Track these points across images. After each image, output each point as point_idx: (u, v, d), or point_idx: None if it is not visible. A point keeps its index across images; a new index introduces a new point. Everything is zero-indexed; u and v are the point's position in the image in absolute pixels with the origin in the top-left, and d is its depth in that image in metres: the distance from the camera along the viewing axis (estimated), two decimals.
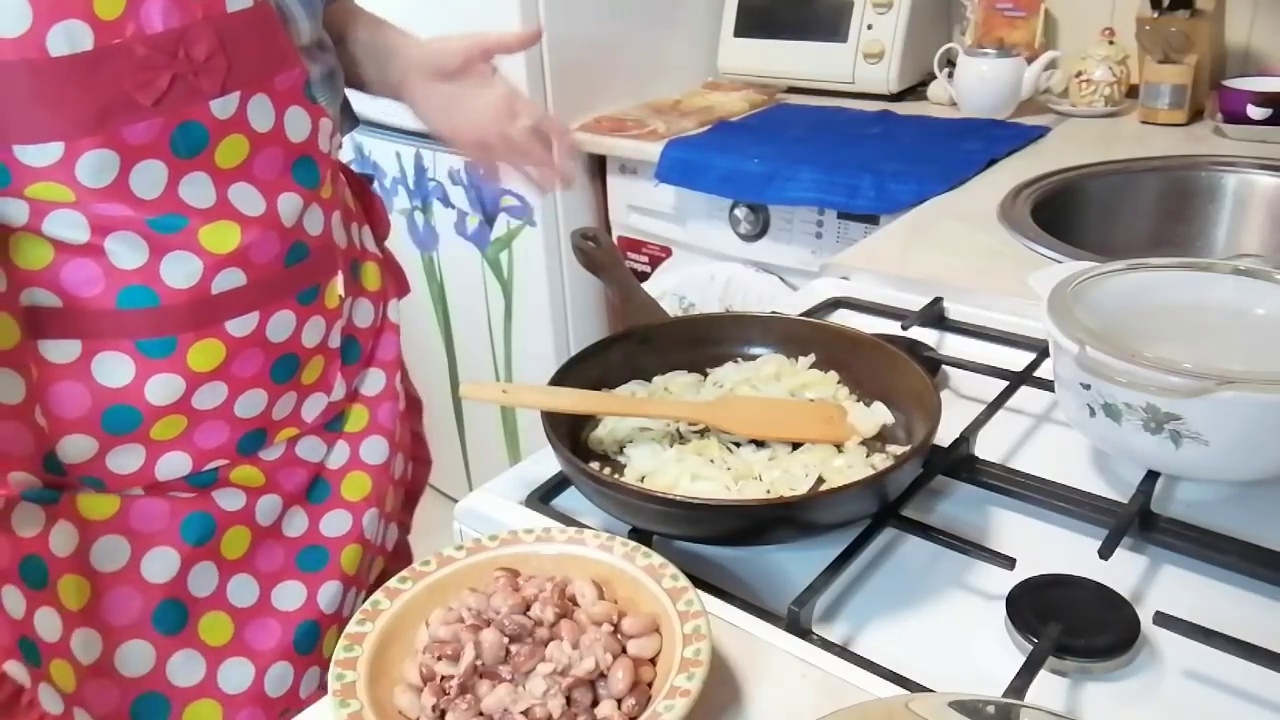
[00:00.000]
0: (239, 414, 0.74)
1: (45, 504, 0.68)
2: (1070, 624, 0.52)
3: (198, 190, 0.68)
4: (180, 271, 0.68)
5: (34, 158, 0.63)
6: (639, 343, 0.76)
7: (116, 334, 0.68)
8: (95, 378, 0.69)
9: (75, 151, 0.63)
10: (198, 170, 0.68)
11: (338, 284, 0.79)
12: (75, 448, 0.69)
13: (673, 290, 1.66)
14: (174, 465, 0.73)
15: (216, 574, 0.76)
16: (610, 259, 0.83)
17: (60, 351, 0.68)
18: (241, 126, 0.69)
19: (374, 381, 0.87)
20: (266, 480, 0.78)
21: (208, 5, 0.66)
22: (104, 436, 0.70)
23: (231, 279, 0.70)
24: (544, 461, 0.68)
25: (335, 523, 0.82)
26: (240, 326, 0.72)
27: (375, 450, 0.85)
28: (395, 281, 0.95)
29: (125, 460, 0.71)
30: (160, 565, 0.73)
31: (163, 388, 0.70)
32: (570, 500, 0.67)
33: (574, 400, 0.68)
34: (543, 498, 0.67)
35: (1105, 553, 0.56)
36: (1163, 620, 0.52)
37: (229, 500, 0.76)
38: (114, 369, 0.69)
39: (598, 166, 1.75)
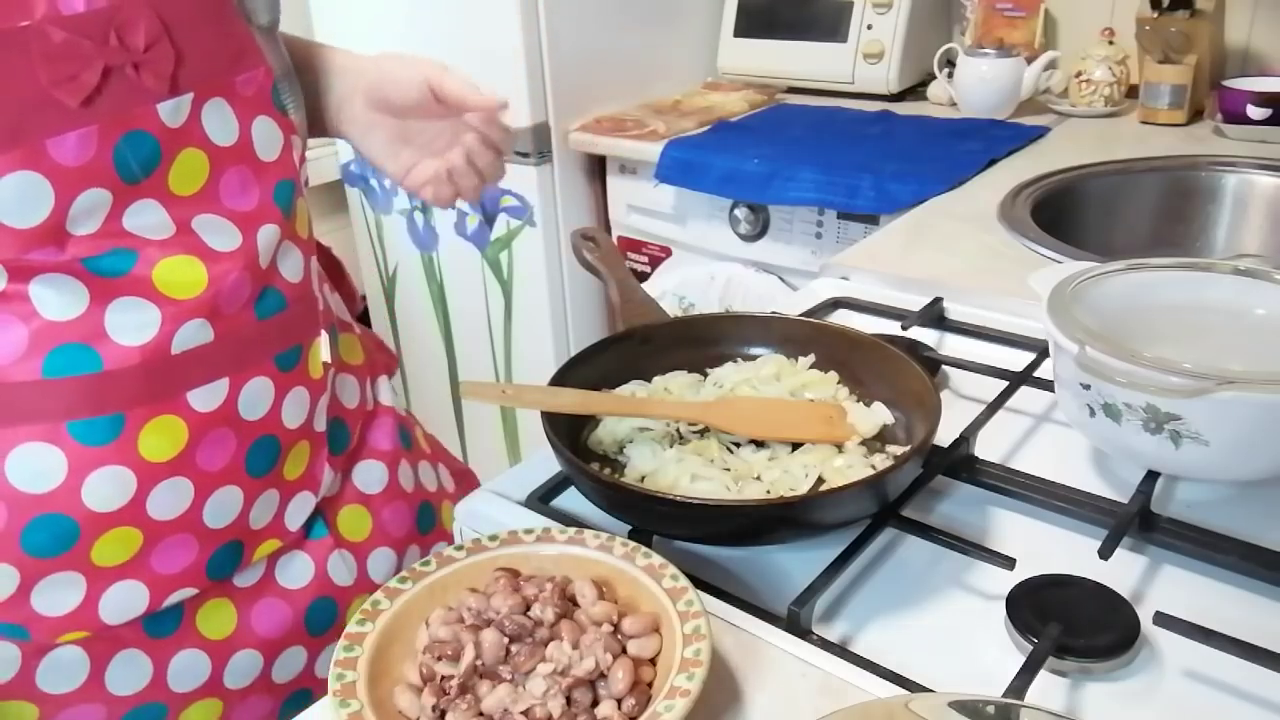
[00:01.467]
0: (209, 523, 0.59)
1: None
2: (1070, 624, 0.52)
3: (149, 218, 0.55)
4: (130, 323, 0.54)
5: None
6: (639, 343, 0.76)
7: (42, 415, 0.52)
8: (11, 480, 0.52)
9: None
10: (148, 196, 0.54)
11: (321, 347, 0.66)
12: None
13: (673, 290, 1.66)
14: (125, 601, 0.57)
15: None
16: (610, 259, 0.83)
17: None
18: (197, 138, 0.56)
19: (370, 476, 0.74)
20: (239, 624, 0.64)
21: None
22: (27, 563, 0.54)
23: (196, 334, 0.56)
24: (544, 462, 0.68)
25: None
26: (207, 398, 0.57)
27: (384, 565, 0.72)
28: (381, 357, 0.82)
29: (58, 597, 0.55)
30: None
31: (107, 488, 0.54)
32: (570, 500, 0.67)
33: (574, 400, 0.68)
34: (543, 498, 0.67)
35: (1105, 553, 0.56)
36: (1163, 620, 0.52)
37: (187, 672, 0.61)
38: (39, 466, 0.53)
39: (598, 166, 1.75)
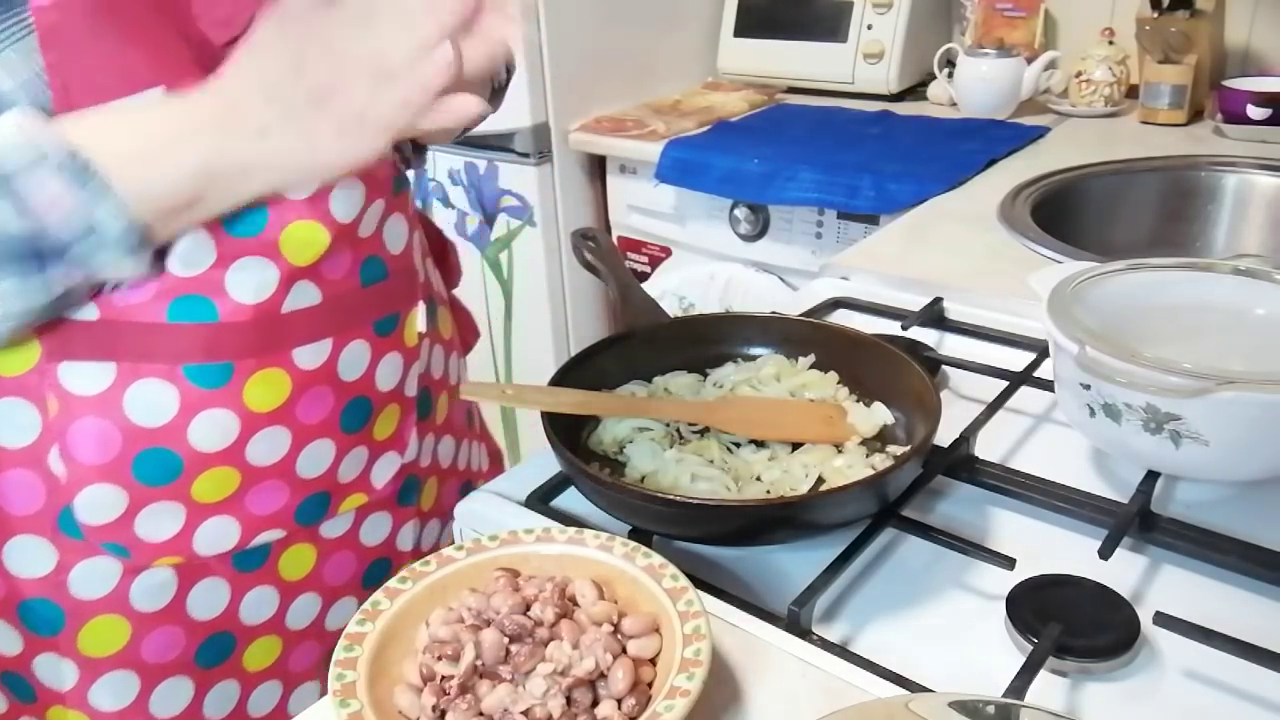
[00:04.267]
0: (301, 472, 0.63)
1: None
2: (1070, 624, 0.52)
3: None
4: (249, 281, 0.57)
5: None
6: (639, 343, 0.76)
7: (162, 355, 0.56)
8: (128, 414, 0.57)
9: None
10: None
11: (418, 317, 0.68)
12: (98, 503, 0.58)
13: (673, 290, 1.66)
14: (218, 535, 0.61)
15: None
16: (610, 259, 0.83)
17: (88, 377, 0.56)
18: None
19: (446, 450, 0.75)
20: (314, 569, 0.67)
21: None
22: (136, 489, 0.58)
23: (305, 295, 0.59)
24: (544, 462, 0.68)
25: None
26: (310, 357, 0.60)
27: (430, 538, 0.74)
28: (465, 333, 0.83)
29: (159, 524, 0.59)
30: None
31: (213, 429, 0.58)
32: (570, 500, 0.67)
33: (575, 400, 0.68)
34: (543, 498, 0.67)
35: (1105, 553, 0.56)
36: (1163, 620, 0.52)
37: (258, 607, 0.65)
38: (154, 401, 0.57)
39: (598, 166, 1.75)
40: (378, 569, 0.71)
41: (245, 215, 0.55)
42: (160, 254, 0.55)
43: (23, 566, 0.61)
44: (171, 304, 0.56)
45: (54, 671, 0.63)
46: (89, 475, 0.57)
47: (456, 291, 0.85)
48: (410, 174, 0.68)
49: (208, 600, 0.64)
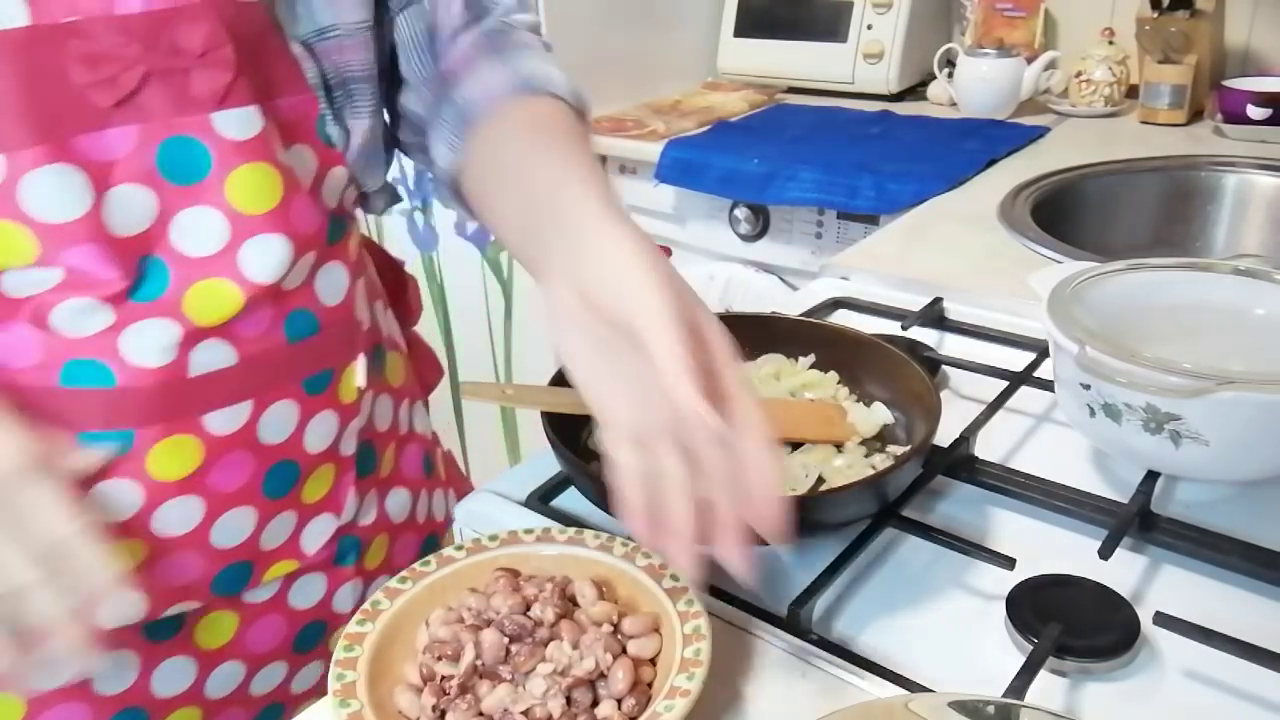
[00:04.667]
0: (217, 542, 0.58)
1: None
2: (1070, 624, 0.52)
3: (200, 230, 0.53)
4: (149, 344, 0.53)
5: None
6: None
7: (57, 422, 0.52)
8: None
9: (18, 169, 0.48)
10: (205, 204, 0.53)
11: (358, 371, 0.63)
12: None
13: None
14: (123, 609, 0.54)
15: None
16: None
17: None
18: (266, 154, 0.54)
19: (397, 505, 0.71)
20: (235, 637, 0.63)
21: None
22: None
23: (216, 356, 0.55)
24: (544, 462, 0.68)
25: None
26: (225, 421, 0.56)
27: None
28: (425, 373, 0.79)
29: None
30: None
31: (113, 500, 0.54)
32: (570, 500, 0.67)
33: (575, 400, 0.67)
34: (543, 498, 0.67)
35: (1105, 553, 0.56)
36: (1163, 620, 0.52)
37: (172, 679, 0.61)
38: None
39: None
40: (311, 632, 0.67)
41: (145, 281, 0.52)
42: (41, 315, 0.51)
43: None
44: (64, 368, 0.52)
45: None
46: None
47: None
48: (352, 224, 0.64)
49: (115, 675, 0.60)
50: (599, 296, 0.47)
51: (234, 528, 0.59)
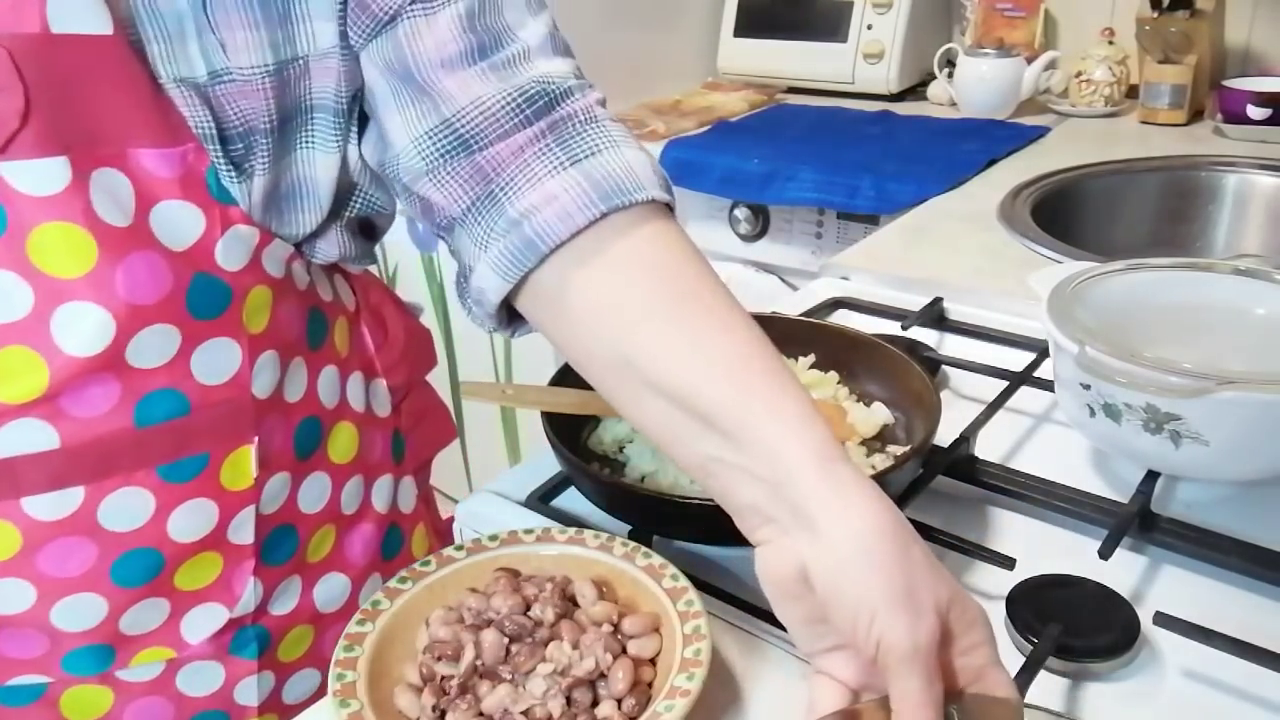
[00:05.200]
0: (59, 625, 0.53)
1: None
2: (1070, 624, 0.52)
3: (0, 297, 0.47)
4: None
5: None
6: None
7: None
8: None
9: None
10: (3, 265, 0.46)
11: (249, 457, 0.55)
12: None
13: None
14: None
15: None
16: None
17: None
18: (73, 211, 0.47)
19: (330, 594, 0.64)
20: (111, 714, 0.57)
21: None
22: None
23: (30, 438, 0.49)
24: (544, 462, 0.68)
25: None
26: (49, 507, 0.50)
27: (302, 688, 0.63)
28: (431, 436, 0.72)
29: None
30: None
31: None
32: (570, 500, 0.67)
33: (575, 400, 0.68)
34: (543, 498, 0.67)
35: (1105, 553, 0.56)
36: (1163, 620, 0.52)
37: None
38: None
39: None
40: None
41: None
42: None
43: None
44: None
45: None
46: None
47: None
48: (256, 293, 0.54)
49: None
50: (830, 600, 0.42)
51: (79, 612, 0.53)
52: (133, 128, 0.48)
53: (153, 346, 0.50)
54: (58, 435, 0.49)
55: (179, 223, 0.50)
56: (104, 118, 0.47)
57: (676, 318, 0.48)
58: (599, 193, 0.50)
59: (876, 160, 1.41)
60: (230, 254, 0.52)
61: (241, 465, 0.55)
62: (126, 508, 0.52)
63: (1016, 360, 0.81)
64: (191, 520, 0.54)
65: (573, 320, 0.51)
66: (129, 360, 0.50)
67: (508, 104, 0.51)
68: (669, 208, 0.53)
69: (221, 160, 0.51)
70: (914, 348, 0.81)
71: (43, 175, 0.46)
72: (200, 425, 0.53)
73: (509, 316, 0.55)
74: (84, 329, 0.48)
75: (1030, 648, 0.51)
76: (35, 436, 0.49)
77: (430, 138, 0.52)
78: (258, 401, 0.55)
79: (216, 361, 0.53)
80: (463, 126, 0.51)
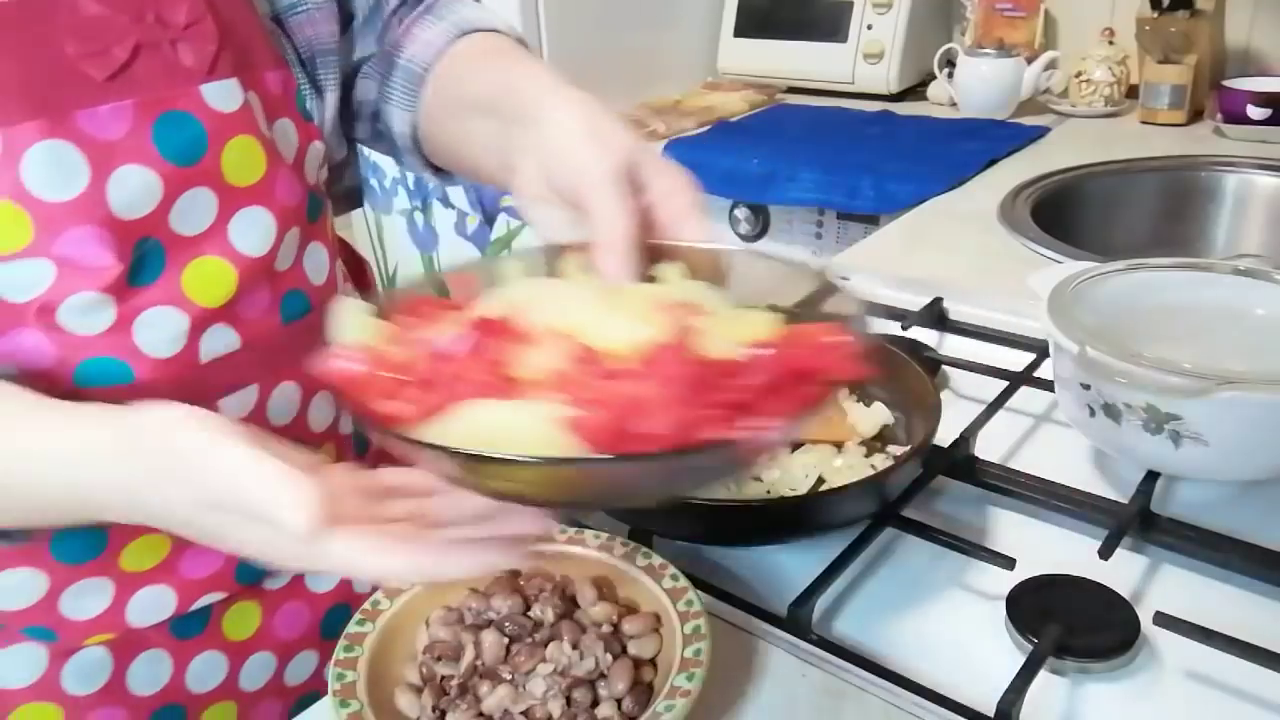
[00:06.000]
0: None
1: None
2: (1070, 624, 0.52)
3: (198, 209, 0.53)
4: (161, 334, 0.53)
5: None
6: None
7: None
8: None
9: (16, 145, 0.47)
10: (202, 184, 0.53)
11: None
12: (16, 587, 0.54)
13: None
14: (153, 605, 0.57)
15: None
16: None
17: None
18: (250, 126, 0.54)
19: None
20: (261, 626, 0.64)
21: None
22: (56, 568, 0.54)
23: (223, 341, 0.55)
24: None
25: None
26: (235, 406, 0.56)
27: None
28: None
29: (86, 601, 0.55)
30: None
31: None
32: None
33: None
34: None
35: (1105, 553, 0.56)
36: (1163, 620, 0.52)
37: (206, 674, 0.62)
38: None
39: None
40: (335, 617, 0.67)
41: (142, 265, 0.51)
42: (47, 308, 0.50)
43: None
44: (78, 369, 0.51)
45: None
46: (3, 559, 0.54)
47: None
48: (326, 203, 0.64)
49: (149, 674, 0.60)
50: (556, 176, 0.51)
51: None
52: (259, 53, 0.56)
53: (290, 250, 0.58)
54: (239, 337, 0.56)
55: (288, 137, 0.58)
56: (247, 44, 0.55)
57: (484, 63, 0.63)
58: (455, 30, 0.65)
59: (876, 160, 1.41)
60: (311, 168, 0.61)
61: None
62: (284, 402, 0.59)
63: (1016, 360, 0.81)
64: (321, 412, 0.62)
65: (438, 105, 0.65)
66: (276, 264, 0.57)
67: (415, 14, 0.67)
68: (523, 43, 0.66)
69: (305, 82, 0.61)
70: (914, 348, 0.81)
71: (229, 94, 0.54)
72: (318, 322, 0.56)
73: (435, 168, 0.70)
74: (256, 233, 0.56)
75: (1030, 648, 0.51)
76: (225, 340, 0.55)
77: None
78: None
79: (318, 263, 0.61)
80: (386, 44, 0.67)
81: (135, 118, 0.50)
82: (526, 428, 0.35)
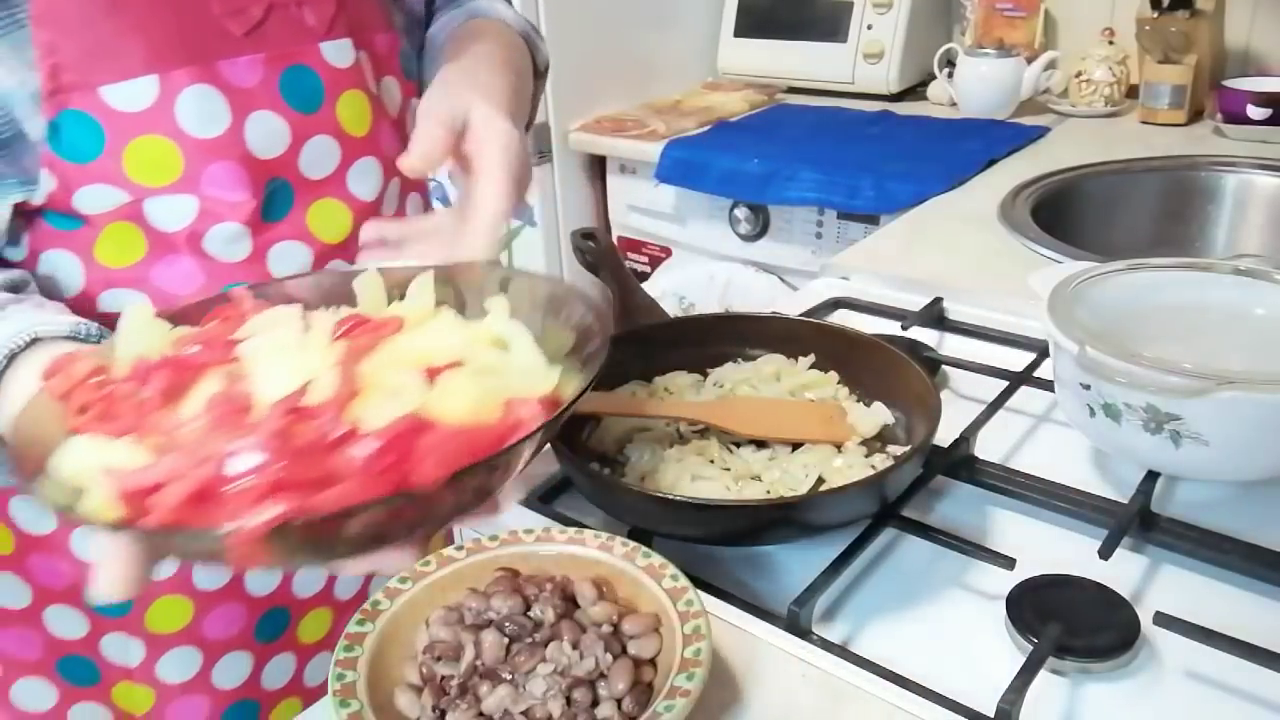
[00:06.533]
0: None
1: None
2: (1070, 624, 0.52)
3: (320, 155, 0.61)
4: (290, 263, 0.61)
5: (127, 100, 0.55)
6: (639, 343, 0.76)
7: None
8: None
9: (172, 88, 0.55)
10: (322, 132, 0.60)
11: None
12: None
13: (673, 290, 1.66)
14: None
15: None
16: (610, 259, 0.83)
17: None
18: (360, 82, 0.62)
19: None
20: (330, 631, 0.77)
21: None
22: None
23: None
24: (544, 462, 0.68)
25: None
26: None
27: None
28: None
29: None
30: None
31: None
32: (570, 500, 0.67)
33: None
34: (543, 498, 0.67)
35: (1105, 553, 0.56)
36: (1163, 620, 0.52)
37: (277, 673, 0.74)
38: None
39: (598, 167, 1.75)
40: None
41: (272, 202, 0.59)
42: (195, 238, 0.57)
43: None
44: (223, 290, 0.56)
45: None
46: None
47: None
48: None
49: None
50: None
51: None
52: (370, 16, 0.64)
53: (393, 197, 0.66)
54: None
55: (392, 94, 0.66)
56: (360, 8, 0.62)
57: (463, 47, 0.68)
58: (467, 14, 0.73)
59: (876, 160, 1.41)
60: (410, 123, 0.66)
61: None
62: None
63: (1016, 360, 0.81)
64: None
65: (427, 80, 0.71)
66: (382, 209, 0.65)
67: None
68: (527, 39, 0.74)
69: (408, 44, 0.68)
70: (914, 348, 0.81)
71: (343, 52, 0.61)
72: None
73: None
74: (368, 181, 0.64)
75: (1030, 648, 0.51)
76: None
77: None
78: None
79: (417, 212, 0.69)
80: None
81: (266, 69, 0.58)
82: (90, 468, 0.39)
